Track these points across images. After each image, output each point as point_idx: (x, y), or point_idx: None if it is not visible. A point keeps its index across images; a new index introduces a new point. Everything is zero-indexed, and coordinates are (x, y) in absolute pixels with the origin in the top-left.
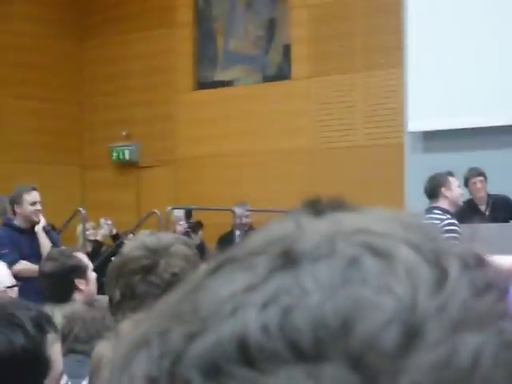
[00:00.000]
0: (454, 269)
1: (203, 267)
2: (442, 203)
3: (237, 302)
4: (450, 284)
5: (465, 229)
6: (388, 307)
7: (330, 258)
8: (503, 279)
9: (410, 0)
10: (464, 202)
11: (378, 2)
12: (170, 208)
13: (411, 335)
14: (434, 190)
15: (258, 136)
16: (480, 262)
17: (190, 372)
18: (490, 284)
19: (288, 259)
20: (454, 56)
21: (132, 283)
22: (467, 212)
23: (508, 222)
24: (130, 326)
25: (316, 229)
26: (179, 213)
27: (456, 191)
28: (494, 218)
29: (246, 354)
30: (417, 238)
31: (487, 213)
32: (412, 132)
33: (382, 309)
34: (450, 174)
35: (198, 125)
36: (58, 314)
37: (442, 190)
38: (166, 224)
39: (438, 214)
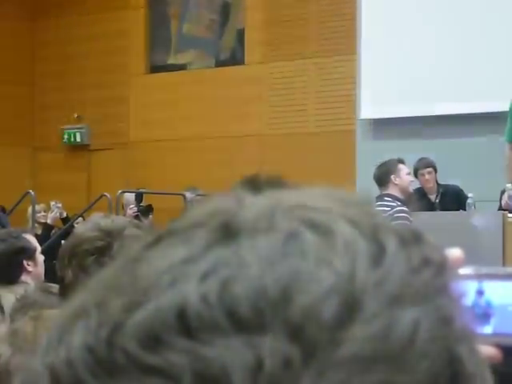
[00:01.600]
0: (391, 244)
1: (142, 240)
2: (392, 190)
3: (176, 274)
4: (388, 259)
5: (415, 217)
6: (327, 279)
7: (270, 231)
8: (440, 256)
9: None
10: (414, 191)
11: None
12: (120, 191)
13: (350, 307)
14: (383, 177)
15: (211, 120)
16: (418, 239)
17: (129, 342)
18: (427, 260)
19: (227, 232)
20: (406, 44)
21: (85, 264)
22: (417, 201)
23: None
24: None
25: (255, 203)
26: (130, 196)
27: (406, 178)
28: (443, 208)
29: (186, 324)
30: (355, 214)
31: (437, 201)
32: (364, 119)
33: (321, 281)
34: (401, 161)
35: (151, 108)
36: (10, 295)
37: (392, 177)
38: (117, 207)
39: (388, 201)
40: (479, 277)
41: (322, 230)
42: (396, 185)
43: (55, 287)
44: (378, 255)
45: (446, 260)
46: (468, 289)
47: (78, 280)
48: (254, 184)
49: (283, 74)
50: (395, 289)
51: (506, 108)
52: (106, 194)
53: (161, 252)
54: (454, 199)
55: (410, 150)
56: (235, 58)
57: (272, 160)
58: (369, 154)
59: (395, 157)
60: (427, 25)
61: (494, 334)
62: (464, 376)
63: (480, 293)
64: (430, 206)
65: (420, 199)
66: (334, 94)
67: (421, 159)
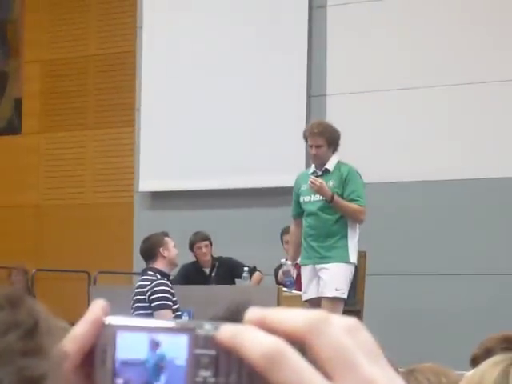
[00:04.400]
0: None
1: None
2: (159, 263)
3: None
4: None
5: (187, 289)
6: None
7: None
8: (34, 319)
9: (145, 60)
10: (189, 264)
11: (112, 60)
12: None
13: None
14: (151, 250)
15: None
16: (13, 303)
17: None
18: (17, 323)
19: None
20: (185, 119)
21: None
22: (192, 274)
23: (233, 282)
24: None
25: None
26: None
27: (173, 251)
28: (218, 280)
29: None
30: None
31: (212, 274)
32: (142, 191)
33: None
34: (166, 234)
35: None
36: None
37: (161, 250)
38: None
39: (150, 274)
40: (146, 329)
41: None
42: (164, 257)
43: None
44: None
45: (39, 323)
46: (137, 340)
47: None
48: None
49: (60, 144)
50: None
51: (283, 183)
52: None
53: None
54: (228, 271)
55: (189, 222)
56: (12, 128)
57: (49, 231)
58: (147, 226)
59: (174, 227)
60: (206, 99)
61: None
62: None
63: (155, 345)
64: (205, 279)
65: (195, 273)
66: (113, 165)
67: (197, 233)
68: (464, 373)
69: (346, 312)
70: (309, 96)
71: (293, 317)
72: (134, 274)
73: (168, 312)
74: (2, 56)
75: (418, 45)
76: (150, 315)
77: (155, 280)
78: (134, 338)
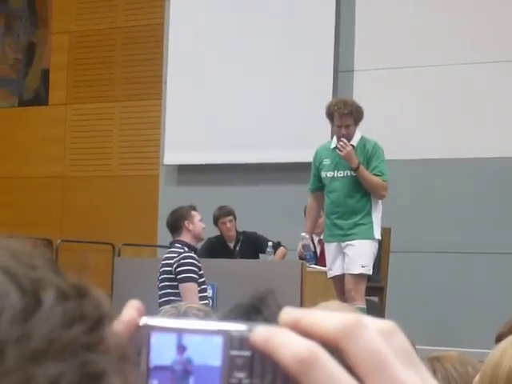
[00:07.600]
0: (49, 298)
1: None
2: (185, 237)
3: None
4: (41, 313)
5: (211, 263)
6: None
7: None
8: (100, 312)
9: (172, 32)
10: (213, 238)
11: (139, 32)
12: None
13: None
14: (177, 223)
15: (13, 161)
16: (80, 294)
17: None
18: (82, 315)
19: None
20: (211, 92)
21: None
22: (217, 248)
23: (257, 257)
24: None
25: None
26: None
27: (198, 225)
28: (242, 254)
29: None
30: (14, 266)
31: (237, 249)
32: (168, 165)
33: None
34: (193, 207)
35: None
36: None
37: (186, 223)
38: None
39: (177, 247)
40: (180, 330)
41: None
42: (189, 231)
43: None
44: (31, 309)
45: (107, 316)
46: (167, 343)
47: None
48: None
49: (87, 116)
50: (41, 343)
51: (309, 158)
52: None
53: None
54: (252, 246)
55: (214, 197)
56: (39, 99)
57: (75, 202)
58: (172, 200)
59: (199, 200)
60: (232, 73)
61: None
62: None
63: (181, 348)
64: (230, 253)
65: (220, 247)
66: (139, 138)
67: (221, 208)
68: (488, 351)
69: (369, 288)
70: (336, 71)
71: (327, 320)
72: (159, 246)
73: (193, 285)
74: (30, 26)
75: (447, 21)
76: (176, 287)
77: (182, 253)
78: (165, 341)
